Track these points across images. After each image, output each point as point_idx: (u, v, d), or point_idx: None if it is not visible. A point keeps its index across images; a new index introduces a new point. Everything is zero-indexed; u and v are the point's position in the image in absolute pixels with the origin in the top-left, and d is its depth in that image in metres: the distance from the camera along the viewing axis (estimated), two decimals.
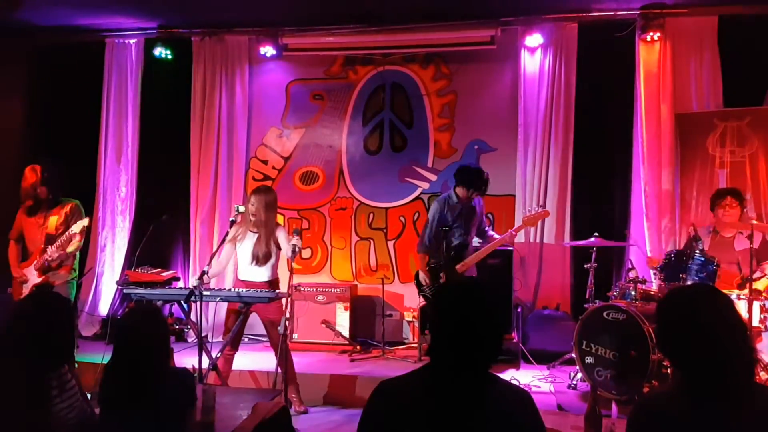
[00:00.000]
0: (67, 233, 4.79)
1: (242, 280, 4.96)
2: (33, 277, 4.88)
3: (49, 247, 4.82)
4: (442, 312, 1.84)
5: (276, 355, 4.82)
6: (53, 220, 4.92)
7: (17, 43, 6.99)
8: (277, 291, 4.80)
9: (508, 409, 1.77)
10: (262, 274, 4.91)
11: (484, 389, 1.78)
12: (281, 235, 4.90)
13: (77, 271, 5.16)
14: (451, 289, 1.95)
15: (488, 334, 1.79)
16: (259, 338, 6.30)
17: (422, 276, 5.29)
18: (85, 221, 4.85)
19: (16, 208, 5.11)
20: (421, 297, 5.47)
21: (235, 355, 4.96)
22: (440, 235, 5.11)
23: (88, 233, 5.25)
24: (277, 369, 4.61)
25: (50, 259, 4.83)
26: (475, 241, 5.39)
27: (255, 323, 5.23)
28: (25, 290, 4.87)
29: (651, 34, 6.05)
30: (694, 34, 6.09)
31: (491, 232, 5.46)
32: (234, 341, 4.85)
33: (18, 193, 5.02)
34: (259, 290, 4.75)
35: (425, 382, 1.81)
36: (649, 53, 6.16)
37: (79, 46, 7.12)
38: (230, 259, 5.09)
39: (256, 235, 4.88)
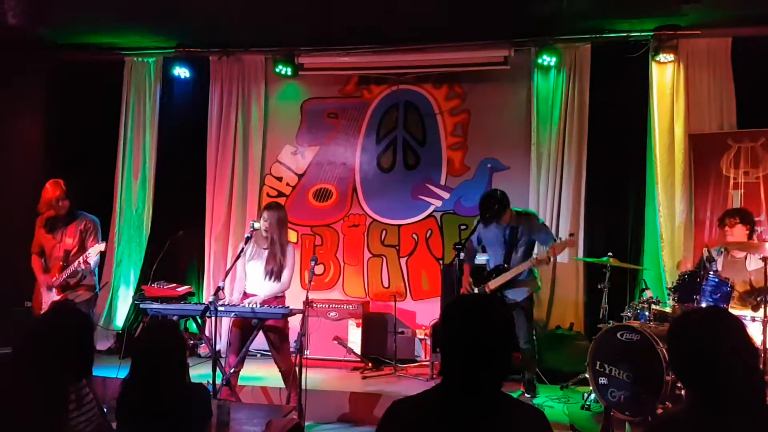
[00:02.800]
0: (83, 256, 4.84)
1: (252, 294, 4.96)
2: (53, 294, 4.93)
3: (72, 266, 4.86)
4: (450, 329, 1.84)
5: (275, 360, 4.90)
6: (69, 236, 4.97)
7: (38, 60, 7.13)
8: (290, 307, 4.83)
9: (521, 429, 1.78)
10: (273, 288, 4.95)
11: (496, 409, 1.77)
12: (289, 253, 4.95)
13: (96, 289, 5.21)
14: (460, 305, 1.94)
15: (496, 351, 1.78)
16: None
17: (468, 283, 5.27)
18: (101, 246, 4.89)
19: (33, 222, 5.16)
20: None
21: (246, 370, 4.99)
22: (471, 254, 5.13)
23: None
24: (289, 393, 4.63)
25: (73, 271, 4.88)
26: None
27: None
28: (44, 306, 4.91)
29: (664, 55, 6.08)
30: (707, 55, 6.11)
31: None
32: (242, 357, 4.86)
33: (36, 206, 5.08)
34: (272, 306, 4.79)
35: (438, 402, 1.81)
36: (663, 74, 6.19)
37: (98, 64, 7.26)
38: None
39: (267, 251, 4.92)
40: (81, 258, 4.83)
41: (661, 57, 6.09)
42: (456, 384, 1.79)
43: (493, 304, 1.90)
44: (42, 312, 4.82)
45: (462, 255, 4.90)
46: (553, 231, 6.32)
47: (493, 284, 5.12)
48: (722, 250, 5.06)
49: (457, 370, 1.78)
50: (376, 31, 6.45)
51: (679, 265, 5.75)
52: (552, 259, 5.12)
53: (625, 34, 6.26)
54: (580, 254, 6.25)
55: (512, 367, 1.87)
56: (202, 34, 6.81)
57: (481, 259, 5.22)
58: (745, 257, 4.92)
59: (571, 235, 5.23)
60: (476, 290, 5.15)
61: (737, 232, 4.88)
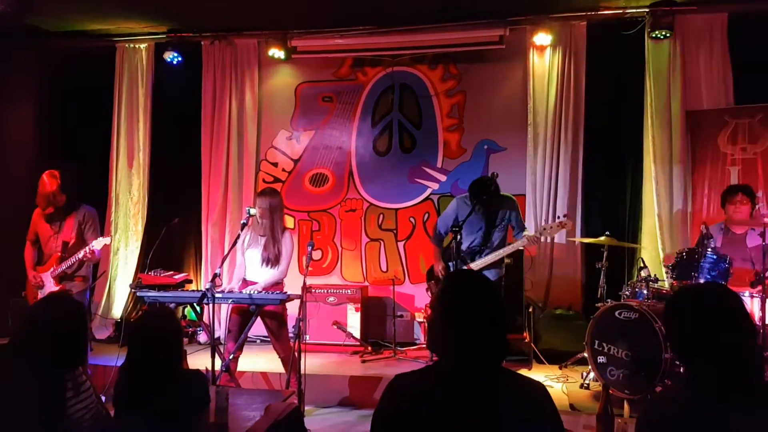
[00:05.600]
0: (87, 247, 4.82)
1: (251, 281, 4.99)
2: (50, 285, 4.92)
3: (73, 257, 4.84)
4: (444, 302, 1.83)
5: (274, 346, 4.92)
6: (68, 227, 4.95)
7: (29, 48, 7.06)
8: (288, 292, 4.83)
9: (523, 402, 1.76)
10: (272, 275, 4.94)
11: (497, 382, 1.76)
12: (285, 239, 4.94)
13: (91, 280, 5.20)
14: (452, 280, 1.92)
15: (490, 327, 1.77)
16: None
17: (436, 267, 5.29)
18: (107, 240, 4.89)
19: (30, 212, 5.14)
20: (429, 293, 5.46)
21: (246, 356, 5.00)
22: (452, 236, 5.09)
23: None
24: (289, 377, 4.63)
25: (74, 261, 4.87)
26: None
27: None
28: (41, 296, 4.91)
29: (660, 32, 6.02)
30: (703, 31, 6.06)
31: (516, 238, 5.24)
32: (241, 343, 4.86)
33: (32, 197, 5.06)
34: (270, 292, 4.79)
35: (439, 377, 1.80)
36: (659, 51, 6.14)
37: (90, 51, 7.19)
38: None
39: (264, 238, 4.91)
40: (86, 249, 4.80)
41: (657, 33, 6.03)
42: (454, 359, 1.78)
43: (485, 280, 1.91)
44: (35, 301, 4.82)
45: (459, 237, 4.88)
46: (551, 211, 6.34)
47: (477, 265, 5.07)
48: (722, 226, 5.05)
49: (456, 344, 1.77)
50: (370, 12, 6.38)
51: (665, 260, 5.74)
52: (540, 240, 5.07)
53: (620, 11, 6.20)
54: (578, 234, 6.24)
55: (508, 343, 1.84)
56: (194, 19, 6.72)
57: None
58: (746, 234, 4.91)
59: (565, 216, 5.17)
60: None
61: (744, 210, 4.86)
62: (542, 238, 5.18)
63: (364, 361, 5.89)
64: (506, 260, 5.71)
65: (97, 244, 4.82)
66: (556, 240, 6.36)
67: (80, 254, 4.82)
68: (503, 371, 1.81)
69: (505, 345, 1.81)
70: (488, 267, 5.08)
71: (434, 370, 1.84)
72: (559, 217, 5.14)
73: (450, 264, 5.17)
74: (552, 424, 1.77)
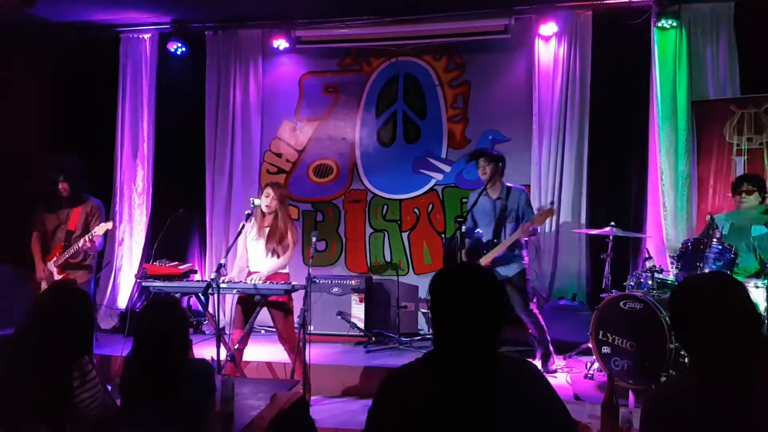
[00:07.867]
0: (89, 234, 4.84)
1: (255, 272, 4.98)
2: (54, 273, 4.95)
3: (75, 245, 4.87)
4: (436, 294, 1.82)
5: (280, 336, 4.92)
6: (74, 218, 4.98)
7: (33, 39, 7.05)
8: (293, 283, 4.84)
9: (515, 386, 1.75)
10: (275, 264, 4.94)
11: (486, 371, 1.75)
12: (290, 230, 4.94)
13: (95, 270, 5.23)
14: (445, 272, 1.92)
15: (484, 315, 1.75)
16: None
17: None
18: (109, 225, 4.91)
19: (34, 203, 5.17)
20: None
21: (251, 346, 5.01)
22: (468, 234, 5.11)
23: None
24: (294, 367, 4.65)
25: (76, 250, 4.88)
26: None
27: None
28: (45, 285, 4.94)
29: (666, 21, 5.97)
30: (710, 20, 6.02)
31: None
32: (247, 333, 4.87)
33: (36, 187, 5.08)
34: (275, 282, 4.80)
35: (431, 369, 1.80)
36: (665, 40, 6.09)
37: (94, 42, 7.18)
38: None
39: (269, 229, 4.91)
40: (86, 237, 4.84)
41: (663, 23, 5.99)
42: (445, 351, 1.78)
43: (481, 273, 1.88)
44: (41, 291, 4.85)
45: (464, 228, 4.88)
46: (555, 201, 6.30)
47: (485, 259, 5.07)
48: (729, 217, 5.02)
49: (445, 336, 1.77)
50: (374, 2, 6.36)
51: None
52: (536, 230, 5.12)
53: (626, 0, 6.15)
54: (583, 224, 6.23)
55: (500, 337, 1.82)
56: (197, 9, 6.71)
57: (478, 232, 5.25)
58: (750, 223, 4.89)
59: (551, 203, 5.24)
60: None
61: (753, 200, 4.84)
62: (536, 230, 5.19)
63: (368, 352, 5.90)
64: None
65: (99, 230, 4.84)
66: (561, 230, 6.35)
67: (80, 243, 4.85)
68: (493, 357, 1.78)
69: (496, 335, 1.78)
70: (503, 263, 5.06)
71: (425, 362, 1.84)
72: (540, 207, 5.16)
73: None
74: (549, 404, 1.77)
